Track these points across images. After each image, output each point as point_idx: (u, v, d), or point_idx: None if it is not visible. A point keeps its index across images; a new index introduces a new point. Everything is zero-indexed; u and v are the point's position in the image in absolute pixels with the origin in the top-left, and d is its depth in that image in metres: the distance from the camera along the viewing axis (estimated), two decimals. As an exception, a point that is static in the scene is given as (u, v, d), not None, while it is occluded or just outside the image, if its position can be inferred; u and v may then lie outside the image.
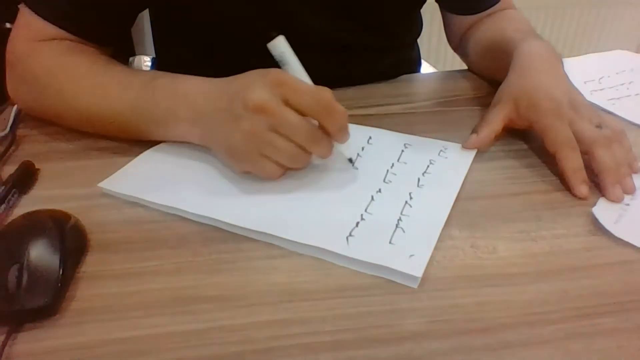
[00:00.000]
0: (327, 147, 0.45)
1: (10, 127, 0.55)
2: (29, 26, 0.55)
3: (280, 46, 0.44)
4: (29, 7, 0.54)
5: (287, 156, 0.43)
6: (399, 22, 0.71)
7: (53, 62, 0.53)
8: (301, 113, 0.42)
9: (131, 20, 0.62)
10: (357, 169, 0.49)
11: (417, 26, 0.77)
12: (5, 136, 0.54)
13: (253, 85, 0.42)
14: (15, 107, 0.58)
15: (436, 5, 0.75)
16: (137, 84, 0.50)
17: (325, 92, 0.42)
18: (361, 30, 0.67)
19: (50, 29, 0.54)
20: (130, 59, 1.09)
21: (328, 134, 0.44)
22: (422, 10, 0.75)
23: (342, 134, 0.45)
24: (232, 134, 0.43)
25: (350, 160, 0.48)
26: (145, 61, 1.07)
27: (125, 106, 0.49)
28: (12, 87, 0.56)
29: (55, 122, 0.55)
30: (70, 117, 0.54)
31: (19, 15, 0.56)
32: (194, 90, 0.47)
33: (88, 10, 0.55)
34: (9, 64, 0.55)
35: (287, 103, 0.41)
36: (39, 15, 0.54)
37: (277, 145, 0.42)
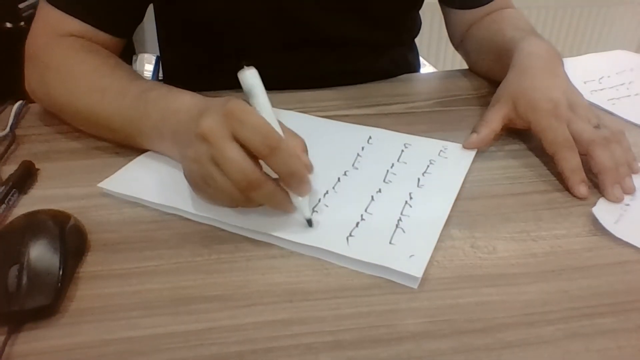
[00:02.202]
0: (271, 196, 0.39)
1: (10, 127, 0.55)
2: (46, 20, 0.56)
3: (251, 79, 0.40)
4: (47, 0, 0.56)
5: (224, 194, 0.39)
6: (397, 19, 0.71)
7: (65, 57, 0.54)
8: (246, 148, 0.38)
9: (143, 10, 0.63)
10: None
11: (415, 25, 0.77)
12: (6, 136, 0.54)
13: (209, 111, 0.39)
14: (15, 107, 0.58)
15: (436, 6, 0.75)
16: (133, 93, 0.49)
17: (274, 132, 0.38)
18: (359, 26, 0.67)
19: (68, 22, 0.56)
20: (134, 57, 1.09)
21: (268, 180, 0.39)
22: (422, 11, 0.75)
23: (294, 182, 0.39)
24: (183, 158, 0.42)
25: (309, 221, 0.41)
26: (149, 59, 1.08)
27: (117, 113, 0.50)
28: (27, 79, 0.57)
29: (60, 116, 0.56)
30: (71, 113, 0.54)
31: (38, 10, 0.57)
32: (182, 107, 0.45)
33: (103, 1, 0.56)
34: (27, 57, 0.57)
35: (234, 137, 0.38)
36: (55, 7, 0.55)
37: (215, 179, 0.39)
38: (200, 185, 0.41)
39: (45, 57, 0.55)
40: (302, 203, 0.41)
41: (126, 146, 0.51)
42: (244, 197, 0.39)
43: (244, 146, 0.38)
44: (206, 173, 0.39)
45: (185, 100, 0.46)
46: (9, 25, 0.91)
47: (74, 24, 0.56)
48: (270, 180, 0.39)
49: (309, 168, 0.41)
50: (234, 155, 0.37)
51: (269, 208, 0.41)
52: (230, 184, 0.38)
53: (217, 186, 0.39)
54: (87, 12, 0.56)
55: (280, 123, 0.41)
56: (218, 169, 0.38)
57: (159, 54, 0.85)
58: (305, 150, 0.42)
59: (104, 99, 0.50)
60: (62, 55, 0.54)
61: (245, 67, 0.40)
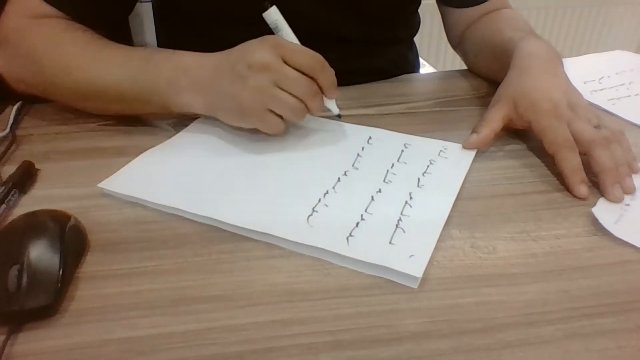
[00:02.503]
0: (320, 101, 0.50)
1: (10, 127, 0.55)
2: (23, 3, 0.56)
3: (274, 15, 0.52)
4: None
5: (289, 108, 0.47)
6: (396, 17, 0.71)
7: (52, 36, 0.54)
8: (300, 70, 0.47)
9: (129, 6, 0.63)
10: (342, 124, 0.56)
11: (414, 23, 0.77)
12: (6, 136, 0.54)
13: (254, 48, 0.47)
14: (15, 107, 0.58)
15: (436, 6, 0.75)
16: (138, 57, 0.52)
17: (317, 54, 0.48)
18: (358, 25, 0.67)
19: (45, 7, 0.55)
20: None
21: (320, 90, 0.49)
22: (421, 11, 0.75)
23: (333, 89, 0.50)
24: (239, 94, 0.47)
25: (339, 115, 0.53)
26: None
27: (125, 76, 0.51)
28: (2, 62, 0.56)
29: (46, 96, 0.56)
30: (67, 90, 0.54)
31: None
32: (193, 64, 0.51)
33: None
34: (3, 39, 0.56)
35: (286, 62, 0.46)
36: None
37: (281, 98, 0.47)
38: (259, 112, 0.48)
39: (28, 39, 0.55)
40: (331, 103, 0.52)
41: (126, 146, 0.51)
42: (303, 108, 0.48)
43: (296, 68, 0.47)
44: (271, 96, 0.47)
45: (194, 58, 0.51)
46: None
47: (51, 10, 0.56)
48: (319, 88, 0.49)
49: (333, 73, 0.50)
50: (296, 75, 0.47)
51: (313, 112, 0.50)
52: (294, 99, 0.47)
53: (282, 104, 0.47)
54: (66, 3, 0.56)
55: None
56: (281, 90, 0.47)
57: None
58: None
59: (109, 67, 0.52)
60: (49, 34, 0.54)
61: (267, 7, 0.51)
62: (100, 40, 0.55)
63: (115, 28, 0.63)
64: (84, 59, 0.53)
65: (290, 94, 0.47)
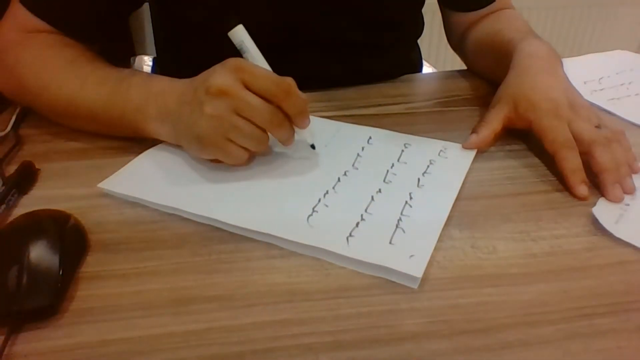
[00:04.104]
0: (289, 131, 0.46)
1: (13, 128, 0.55)
2: (16, 16, 0.56)
3: (240, 35, 0.46)
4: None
5: (249, 138, 0.44)
6: (400, 20, 0.71)
7: (37, 53, 0.54)
8: (261, 97, 0.43)
9: (120, 19, 0.63)
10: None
11: (418, 25, 0.77)
12: (6, 136, 0.54)
13: (214, 72, 0.44)
14: (18, 108, 0.58)
15: (436, 6, 0.75)
16: (113, 79, 0.51)
17: (284, 78, 0.44)
18: (362, 29, 0.67)
19: (35, 21, 0.55)
20: (132, 58, 1.09)
21: (288, 119, 0.45)
22: (422, 11, 0.75)
23: (302, 118, 0.46)
24: (197, 122, 0.44)
25: (313, 146, 0.49)
26: (146, 61, 1.08)
27: (99, 99, 0.50)
28: None
29: (36, 110, 0.57)
30: (47, 105, 0.54)
31: (10, 5, 0.57)
32: (163, 90, 0.48)
33: (74, 7, 0.56)
34: None
35: (247, 87, 0.43)
36: (26, 7, 0.55)
37: (241, 127, 0.43)
38: (219, 142, 0.44)
39: (15, 52, 0.55)
40: (305, 132, 0.48)
41: (126, 146, 0.52)
42: (266, 139, 0.45)
43: (258, 94, 0.43)
44: (229, 125, 0.43)
45: (165, 83, 0.49)
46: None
47: (42, 24, 0.56)
48: (286, 116, 0.45)
49: (307, 101, 0.46)
50: (256, 101, 0.43)
51: (283, 145, 0.47)
52: (256, 128, 0.44)
53: (242, 134, 0.44)
54: (51, 14, 0.55)
55: None
56: (241, 118, 0.43)
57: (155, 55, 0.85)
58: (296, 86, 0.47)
59: (85, 87, 0.51)
60: (36, 48, 0.54)
61: (233, 25, 0.46)
62: (82, 59, 0.54)
63: (111, 39, 0.62)
64: (62, 78, 0.52)
65: (252, 122, 0.43)
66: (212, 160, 0.47)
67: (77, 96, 0.51)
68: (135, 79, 0.50)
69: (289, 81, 0.44)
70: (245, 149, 0.45)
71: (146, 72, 0.52)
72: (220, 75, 0.43)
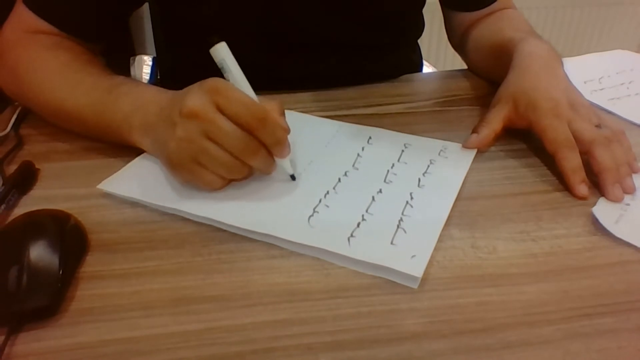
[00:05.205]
0: (265, 160, 0.43)
1: (13, 128, 0.56)
2: (20, 17, 0.56)
3: (221, 53, 0.43)
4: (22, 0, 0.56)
5: (221, 165, 0.41)
6: (401, 20, 0.71)
7: (35, 55, 0.54)
8: (235, 122, 0.40)
9: (121, 18, 0.63)
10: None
11: (418, 25, 0.77)
12: (6, 136, 0.54)
13: (190, 92, 0.41)
14: (18, 108, 0.58)
15: (436, 6, 0.75)
16: (103, 87, 0.50)
17: (261, 106, 0.41)
18: (362, 29, 0.67)
19: (38, 22, 0.56)
20: (132, 58, 1.09)
21: (263, 146, 0.42)
22: (422, 11, 0.75)
23: (279, 149, 0.43)
24: (168, 142, 0.42)
25: (292, 176, 0.46)
26: (146, 61, 1.07)
27: (87, 107, 0.50)
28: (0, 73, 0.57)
29: (32, 111, 0.57)
30: (41, 108, 0.55)
31: (14, 7, 0.57)
32: (151, 99, 0.47)
33: (75, 7, 0.56)
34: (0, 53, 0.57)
35: (221, 111, 0.40)
36: (27, 7, 0.55)
37: (211, 152, 0.40)
38: (189, 165, 0.42)
39: (15, 53, 0.55)
40: (284, 162, 0.45)
41: (126, 146, 0.51)
42: (239, 166, 0.42)
43: (231, 119, 0.40)
44: (199, 149, 0.40)
45: (152, 94, 0.48)
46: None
47: (44, 24, 0.56)
48: (262, 145, 0.42)
49: (288, 130, 0.43)
50: (229, 126, 0.40)
51: (259, 174, 0.45)
52: (227, 155, 0.41)
53: (212, 160, 0.41)
54: (54, 14, 0.56)
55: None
56: (212, 143, 0.40)
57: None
58: (283, 112, 0.45)
59: (75, 93, 0.51)
60: (34, 51, 0.55)
61: (214, 42, 0.42)
62: (76, 63, 0.54)
63: (110, 39, 0.62)
64: (55, 82, 0.52)
65: (224, 148, 0.41)
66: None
67: (67, 102, 0.51)
68: (124, 88, 0.49)
69: (264, 107, 0.41)
70: (218, 174, 0.43)
71: (136, 81, 0.51)
72: (194, 97, 0.41)
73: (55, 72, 0.53)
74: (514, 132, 0.55)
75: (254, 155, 0.42)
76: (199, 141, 0.40)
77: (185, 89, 0.43)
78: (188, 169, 0.42)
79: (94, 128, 0.51)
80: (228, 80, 0.43)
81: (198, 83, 0.42)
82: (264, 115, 0.40)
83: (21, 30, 0.56)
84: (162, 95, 0.47)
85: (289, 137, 0.44)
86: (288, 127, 0.44)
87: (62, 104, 0.52)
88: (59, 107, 0.52)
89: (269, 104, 0.43)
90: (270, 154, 0.43)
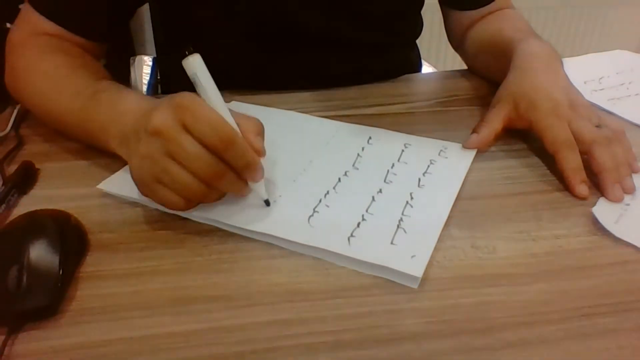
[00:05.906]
0: (234, 184, 0.40)
1: (13, 128, 0.56)
2: (26, 19, 0.57)
3: (193, 66, 0.40)
4: (28, 1, 0.56)
5: (183, 187, 0.38)
6: (399, 20, 0.71)
7: (33, 57, 0.55)
8: (200, 143, 0.37)
9: (125, 17, 0.63)
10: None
11: (417, 25, 0.77)
12: (6, 136, 0.54)
13: (158, 107, 0.39)
14: (17, 108, 0.58)
15: (436, 6, 0.75)
16: (87, 94, 0.49)
17: (229, 127, 0.38)
18: (361, 28, 0.67)
19: (43, 23, 0.56)
20: (132, 59, 1.09)
21: (231, 169, 0.39)
22: (422, 11, 0.75)
23: (249, 172, 0.40)
24: (132, 157, 0.41)
25: (267, 201, 0.43)
26: (146, 61, 1.08)
27: (70, 114, 0.50)
28: (5, 73, 0.58)
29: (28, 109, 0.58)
30: (34, 110, 0.56)
31: (22, 8, 0.58)
32: (128, 109, 0.45)
33: (81, 5, 0.56)
34: (6, 54, 0.57)
35: (187, 129, 0.37)
36: (33, 7, 0.56)
37: (172, 173, 0.38)
38: (150, 184, 0.39)
39: (17, 55, 0.56)
40: (257, 186, 0.41)
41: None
42: (204, 190, 0.39)
43: (197, 139, 0.37)
44: (160, 169, 0.38)
45: (132, 102, 0.45)
46: (8, 25, 0.91)
47: (50, 25, 0.56)
48: (230, 168, 0.39)
49: (261, 153, 0.41)
50: (194, 147, 0.37)
51: (231, 196, 0.42)
52: (190, 177, 0.38)
53: (174, 181, 0.38)
54: (61, 14, 0.56)
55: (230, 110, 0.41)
56: (175, 163, 0.37)
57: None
58: (261, 132, 0.42)
59: (60, 99, 0.51)
60: (32, 53, 0.55)
61: (188, 54, 0.39)
62: (68, 67, 0.53)
63: (112, 37, 0.63)
64: (47, 86, 0.53)
65: (187, 169, 0.38)
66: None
67: (54, 107, 0.52)
68: (105, 95, 0.48)
69: (249, 126, 0.39)
70: (182, 195, 0.39)
71: (120, 88, 0.49)
72: (160, 113, 0.38)
73: (47, 76, 0.53)
74: (514, 132, 0.55)
75: (219, 179, 0.39)
76: (161, 161, 0.38)
77: (158, 101, 0.41)
78: (149, 187, 0.40)
79: (80, 134, 0.52)
80: (199, 96, 0.40)
81: (167, 98, 0.39)
82: (232, 136, 0.37)
83: (27, 32, 0.57)
84: (141, 106, 0.44)
85: (270, 157, 0.42)
86: (263, 149, 0.41)
87: (51, 108, 0.52)
88: (48, 111, 0.53)
89: (246, 123, 0.40)
90: (240, 177, 0.40)
